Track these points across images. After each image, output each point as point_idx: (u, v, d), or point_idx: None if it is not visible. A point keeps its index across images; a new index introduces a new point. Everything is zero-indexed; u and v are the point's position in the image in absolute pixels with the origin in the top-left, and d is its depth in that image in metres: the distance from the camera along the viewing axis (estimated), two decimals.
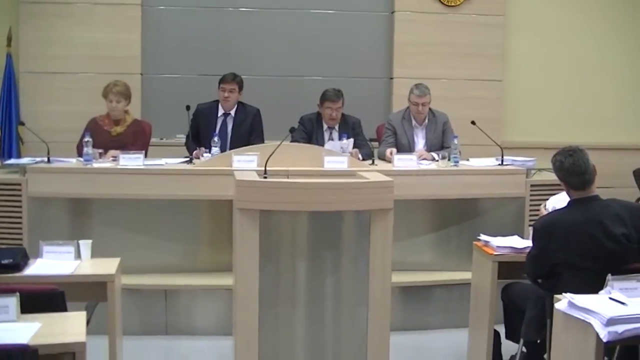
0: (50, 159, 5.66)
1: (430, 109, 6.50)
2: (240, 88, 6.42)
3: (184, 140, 6.56)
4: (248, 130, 6.42)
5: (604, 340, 3.16)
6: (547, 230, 4.00)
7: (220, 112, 6.43)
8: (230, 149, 5.91)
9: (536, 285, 4.18)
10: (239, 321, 4.14)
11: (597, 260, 3.85)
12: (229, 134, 6.41)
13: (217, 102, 6.46)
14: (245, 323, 4.10)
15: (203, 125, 6.40)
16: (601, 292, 3.48)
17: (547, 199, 4.86)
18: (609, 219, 3.90)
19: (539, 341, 4.28)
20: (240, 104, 6.48)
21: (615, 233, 3.86)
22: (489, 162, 6.09)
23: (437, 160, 6.06)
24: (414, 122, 6.50)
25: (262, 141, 6.32)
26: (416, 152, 6.21)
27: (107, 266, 4.13)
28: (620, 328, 3.15)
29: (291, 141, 5.88)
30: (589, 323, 3.23)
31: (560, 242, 3.91)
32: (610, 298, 3.38)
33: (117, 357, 4.16)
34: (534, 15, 8.41)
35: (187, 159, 5.90)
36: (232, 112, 6.44)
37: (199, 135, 6.36)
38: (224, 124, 6.43)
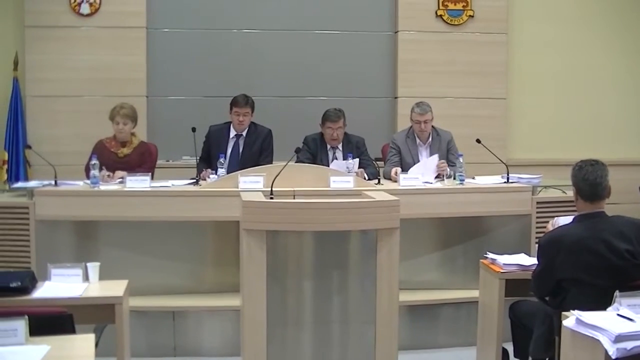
0: (58, 181, 5.68)
1: (433, 127, 6.52)
2: (253, 110, 6.44)
3: (190, 161, 6.57)
4: (258, 151, 6.43)
5: (613, 357, 3.14)
6: (552, 246, 3.99)
7: (232, 133, 6.44)
8: (241, 169, 5.89)
9: (544, 303, 4.17)
10: (246, 341, 4.14)
11: (602, 276, 3.84)
12: (240, 154, 6.42)
13: (228, 123, 6.46)
14: (253, 343, 4.11)
15: (214, 146, 6.40)
16: (609, 308, 3.47)
17: (556, 217, 4.80)
18: (613, 235, 3.89)
19: (547, 359, 4.27)
20: (252, 124, 6.49)
21: (619, 249, 3.86)
22: (495, 180, 6.09)
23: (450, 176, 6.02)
24: (417, 140, 6.51)
25: (271, 162, 6.31)
26: (436, 162, 6.16)
27: (115, 288, 4.13)
28: (629, 344, 3.14)
29: (296, 161, 5.89)
30: (598, 340, 3.22)
31: (565, 258, 3.90)
32: (619, 315, 3.37)
33: None
34: (537, 33, 8.44)
35: (194, 180, 5.91)
36: (244, 133, 6.46)
37: (210, 157, 6.38)
38: (236, 144, 6.44)
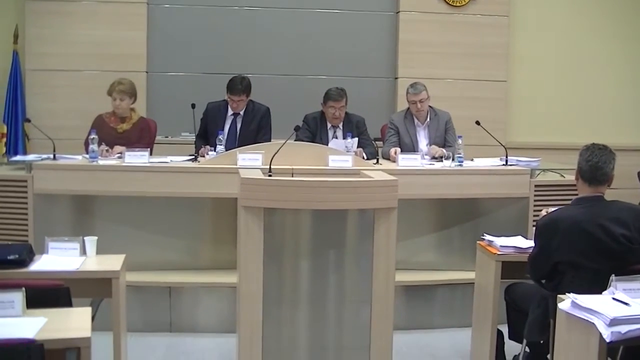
0: (56, 155, 5.68)
1: (431, 107, 6.52)
2: (249, 93, 6.39)
3: (189, 138, 6.55)
4: (256, 129, 6.42)
5: (607, 340, 3.16)
6: (549, 229, 3.99)
7: (230, 111, 6.42)
8: (239, 146, 5.88)
9: (539, 286, 4.18)
10: (242, 319, 4.15)
11: (598, 259, 3.85)
12: (238, 132, 6.41)
13: (226, 101, 6.43)
14: (248, 320, 4.11)
15: (212, 123, 6.39)
16: (605, 292, 3.48)
17: (551, 204, 4.81)
18: (609, 219, 3.89)
19: (542, 342, 4.28)
20: (250, 102, 6.46)
21: (615, 233, 3.86)
22: (493, 162, 6.10)
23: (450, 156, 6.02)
24: (416, 121, 6.51)
25: (270, 140, 6.30)
26: (430, 149, 6.19)
27: (113, 263, 4.14)
28: (623, 328, 3.16)
29: (295, 140, 5.89)
30: (592, 323, 3.23)
31: (562, 241, 3.91)
32: (614, 298, 3.38)
33: (121, 354, 4.16)
34: (538, 16, 8.42)
35: (192, 156, 5.91)
36: (242, 112, 6.43)
37: (207, 134, 6.36)
38: (234, 122, 6.42)
